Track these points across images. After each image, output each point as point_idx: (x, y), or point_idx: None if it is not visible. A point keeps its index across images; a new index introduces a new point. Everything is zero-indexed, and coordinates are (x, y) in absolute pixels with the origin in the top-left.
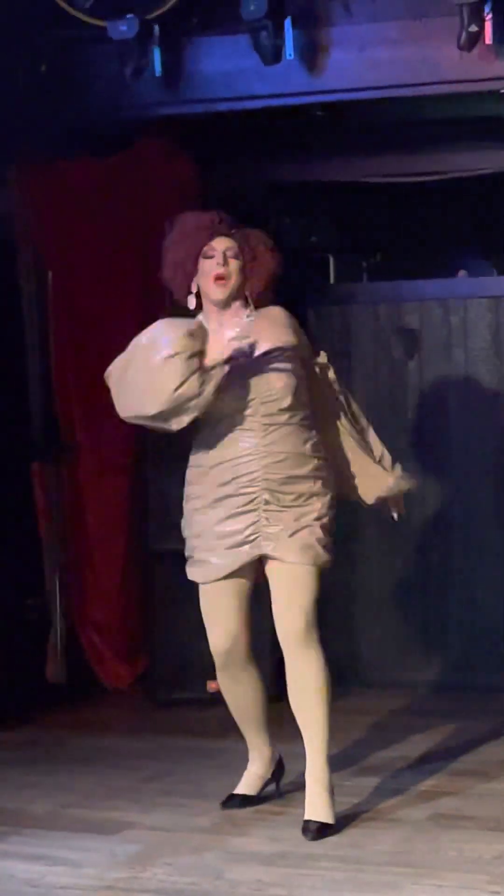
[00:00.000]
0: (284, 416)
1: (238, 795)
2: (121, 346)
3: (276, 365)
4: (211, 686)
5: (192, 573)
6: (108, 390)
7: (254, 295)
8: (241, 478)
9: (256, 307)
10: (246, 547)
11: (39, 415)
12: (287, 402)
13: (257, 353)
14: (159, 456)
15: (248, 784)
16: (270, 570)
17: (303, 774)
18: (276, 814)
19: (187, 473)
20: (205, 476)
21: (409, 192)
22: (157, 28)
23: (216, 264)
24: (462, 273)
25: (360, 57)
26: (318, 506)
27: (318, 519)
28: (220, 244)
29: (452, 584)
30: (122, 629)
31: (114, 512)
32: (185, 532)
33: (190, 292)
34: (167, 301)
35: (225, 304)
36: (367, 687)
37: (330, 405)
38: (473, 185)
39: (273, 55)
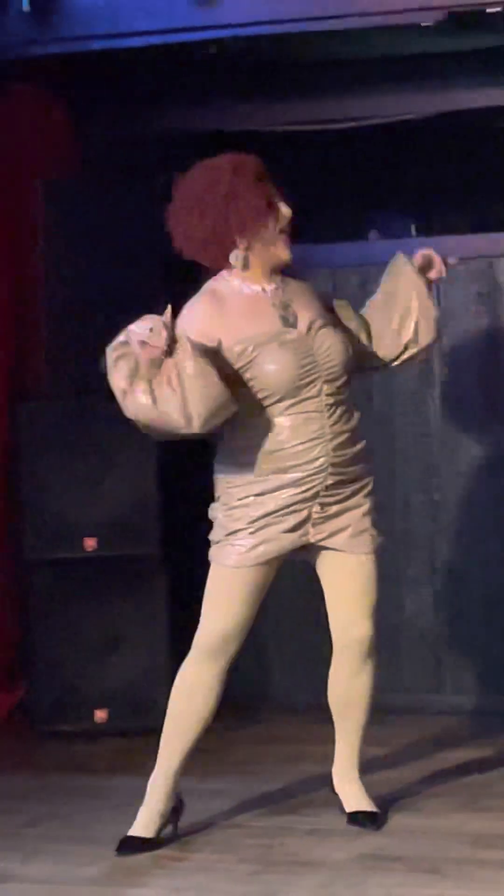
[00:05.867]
0: (344, 394)
1: (135, 838)
2: None
3: (332, 337)
4: (98, 715)
5: (223, 555)
6: None
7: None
8: (306, 464)
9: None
10: (292, 534)
11: None
12: (345, 377)
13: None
14: (38, 445)
15: (144, 824)
16: (330, 563)
17: (214, 817)
18: (176, 860)
19: (228, 456)
20: (254, 463)
21: (316, 141)
22: None
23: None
24: (374, 234)
25: None
26: (370, 484)
27: (369, 496)
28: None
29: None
30: None
31: None
32: (219, 514)
33: (236, 247)
34: (48, 277)
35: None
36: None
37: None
38: (389, 133)
39: None
